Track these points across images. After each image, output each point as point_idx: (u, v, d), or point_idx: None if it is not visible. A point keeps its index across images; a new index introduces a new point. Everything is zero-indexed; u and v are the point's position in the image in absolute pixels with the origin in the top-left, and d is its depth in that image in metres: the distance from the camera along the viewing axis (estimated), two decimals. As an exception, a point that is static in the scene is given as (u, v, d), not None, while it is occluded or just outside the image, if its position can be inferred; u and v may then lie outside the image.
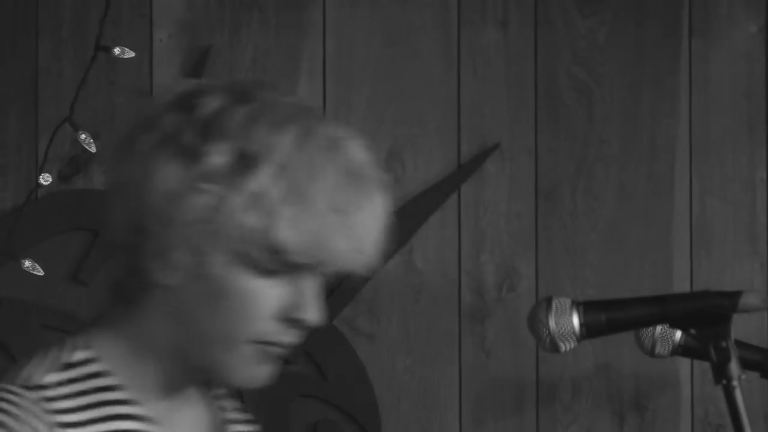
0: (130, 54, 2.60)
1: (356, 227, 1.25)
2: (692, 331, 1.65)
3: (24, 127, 2.78)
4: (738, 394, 1.57)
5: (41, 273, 2.61)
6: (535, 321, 1.57)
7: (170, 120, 1.25)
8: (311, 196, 1.24)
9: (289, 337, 1.27)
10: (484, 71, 2.79)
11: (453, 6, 2.87)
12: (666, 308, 1.63)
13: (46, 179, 2.56)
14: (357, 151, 1.28)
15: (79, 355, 1.28)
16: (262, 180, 1.24)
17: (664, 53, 2.87)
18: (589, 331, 1.58)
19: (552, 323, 1.57)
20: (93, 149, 2.60)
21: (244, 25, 2.77)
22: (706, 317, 1.58)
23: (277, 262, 1.24)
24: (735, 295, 1.57)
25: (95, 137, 2.60)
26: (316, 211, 1.23)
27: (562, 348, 1.57)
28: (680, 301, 1.66)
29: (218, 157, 1.23)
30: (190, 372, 1.34)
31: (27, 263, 2.62)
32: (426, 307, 2.85)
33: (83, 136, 2.57)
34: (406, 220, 2.78)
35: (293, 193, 1.23)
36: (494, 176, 2.86)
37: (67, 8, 2.73)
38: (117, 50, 2.56)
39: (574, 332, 1.57)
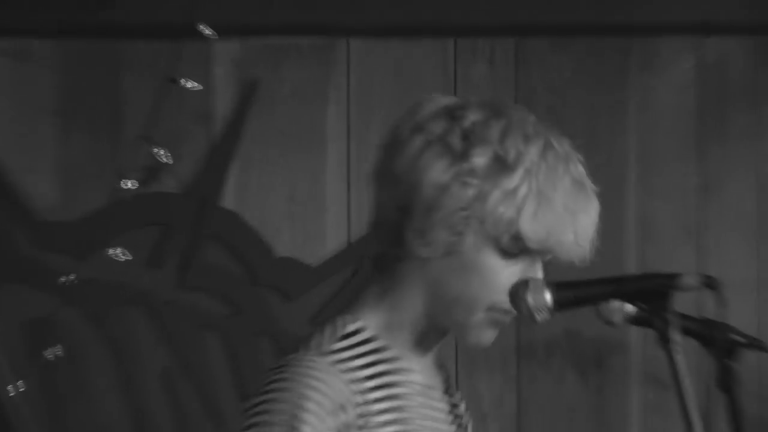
0: (194, 85, 2.87)
1: (580, 225, 1.47)
2: (641, 305, 1.67)
3: (110, 142, 3.09)
4: (676, 355, 1.57)
5: (128, 258, 2.90)
6: (516, 297, 1.62)
7: (438, 126, 1.48)
8: (550, 198, 1.45)
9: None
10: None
11: (450, 47, 3.18)
12: (621, 287, 1.68)
13: (128, 184, 2.85)
14: (579, 164, 1.50)
15: (350, 327, 1.51)
16: (514, 180, 1.46)
17: (617, 84, 3.13)
18: (559, 305, 1.61)
19: (530, 299, 1.63)
20: (164, 161, 2.90)
21: (285, 63, 3.06)
22: (652, 294, 1.60)
23: (516, 247, 1.45)
24: (675, 276, 1.60)
25: (165, 151, 2.88)
26: (553, 210, 1.46)
27: (538, 318, 1.60)
28: (632, 281, 1.71)
29: (480, 158, 1.47)
30: (435, 333, 1.54)
31: (115, 251, 2.91)
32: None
33: (157, 150, 2.86)
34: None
35: (537, 193, 1.45)
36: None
37: (145, 47, 3.07)
38: (184, 81, 2.83)
39: (547, 306, 1.61)
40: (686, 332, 1.61)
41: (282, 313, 3.17)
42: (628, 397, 3.17)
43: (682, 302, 1.42)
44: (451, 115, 1.54)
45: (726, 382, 1.53)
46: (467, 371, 3.08)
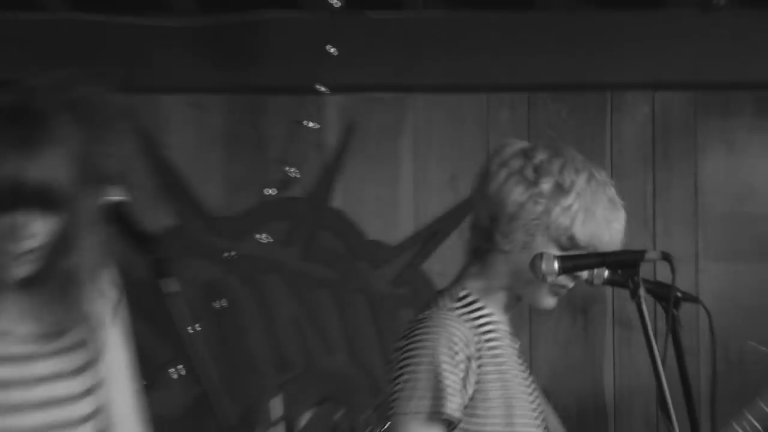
0: (313, 124, 3.70)
1: (614, 231, 1.98)
2: (618, 271, 2.11)
3: (258, 162, 3.86)
4: (642, 306, 2.03)
5: (269, 240, 3.74)
6: (534, 265, 1.98)
7: (517, 162, 1.95)
8: (594, 212, 1.95)
9: (570, 283, 2.00)
10: (502, 135, 3.53)
11: (483, 99, 3.82)
12: (605, 258, 2.07)
13: (270, 191, 3.72)
14: (612, 188, 2.00)
15: (461, 293, 1.99)
16: (569, 200, 1.93)
17: (597, 122, 3.82)
18: (563, 270, 1.99)
19: (543, 266, 1.97)
20: (293, 176, 3.71)
21: (373, 110, 3.84)
22: (626, 263, 2.03)
23: (570, 244, 1.93)
24: (642, 252, 2.04)
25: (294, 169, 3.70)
26: (596, 220, 1.95)
27: (549, 279, 1.99)
28: (612, 255, 2.08)
29: (546, 185, 1.93)
30: (514, 300, 2.06)
31: (261, 236, 3.75)
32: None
33: (288, 168, 3.68)
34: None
35: (585, 209, 1.94)
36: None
37: (281, 99, 3.85)
38: (306, 122, 3.67)
39: (554, 271, 1.96)
40: (648, 291, 2.03)
41: (372, 277, 3.89)
42: (605, 334, 3.79)
43: (645, 270, 1.93)
44: (526, 154, 2.03)
45: (673, 324, 2.05)
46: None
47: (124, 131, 1.75)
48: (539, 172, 2.04)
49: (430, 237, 3.90)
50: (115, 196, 1.78)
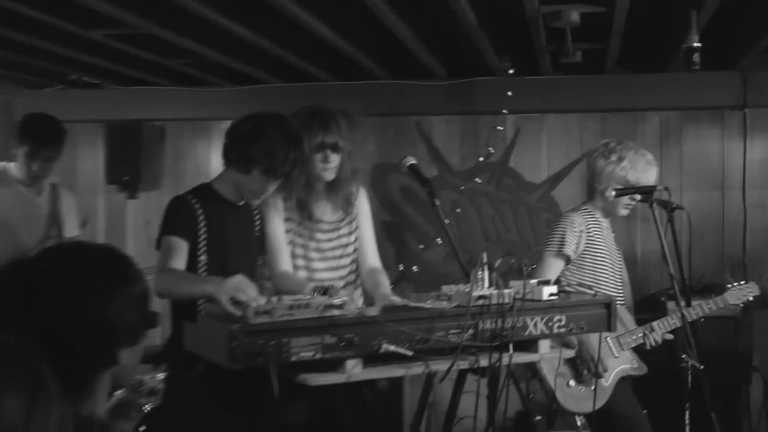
0: (501, 128, 5.68)
1: (648, 177, 4.04)
2: (643, 195, 3.92)
3: (473, 147, 6.00)
4: (655, 212, 3.79)
5: (480, 182, 5.80)
6: (609, 194, 4.00)
7: (601, 149, 4.09)
8: (639, 167, 4.05)
9: (631, 202, 4.01)
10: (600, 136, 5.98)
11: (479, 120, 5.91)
12: (638, 190, 3.93)
13: (480, 159, 5.74)
14: (649, 154, 4.08)
15: (582, 207, 4.10)
16: (625, 164, 4.02)
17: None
18: (617, 194, 3.94)
19: (613, 193, 3.93)
20: (492, 151, 5.75)
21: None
22: (646, 191, 3.87)
23: (627, 184, 3.94)
24: (654, 186, 3.92)
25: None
26: (637, 172, 4.04)
27: (610, 199, 4.00)
28: (640, 188, 3.96)
29: (613, 157, 4.03)
30: (608, 212, 4.12)
31: (477, 180, 5.79)
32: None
33: (489, 148, 5.74)
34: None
35: (633, 166, 4.04)
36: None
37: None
38: (498, 127, 5.92)
39: (613, 195, 3.94)
40: (657, 203, 3.82)
41: (528, 198, 5.90)
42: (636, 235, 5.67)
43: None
44: (606, 145, 4.12)
45: (671, 222, 3.75)
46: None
47: None
48: (617, 158, 4.03)
49: (554, 179, 5.98)
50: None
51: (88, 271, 1.55)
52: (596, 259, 4.08)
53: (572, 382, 4.02)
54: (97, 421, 1.54)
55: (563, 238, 4.02)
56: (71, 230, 4.81)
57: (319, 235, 3.73)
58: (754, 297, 4.27)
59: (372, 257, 3.86)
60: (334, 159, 3.64)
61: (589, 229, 4.07)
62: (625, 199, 4.02)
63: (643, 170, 4.04)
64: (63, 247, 1.68)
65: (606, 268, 4.10)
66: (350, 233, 3.83)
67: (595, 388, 3.90)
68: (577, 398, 4.01)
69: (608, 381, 4.07)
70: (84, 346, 1.50)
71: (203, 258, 3.29)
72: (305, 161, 3.49)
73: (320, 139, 3.59)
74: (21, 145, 4.46)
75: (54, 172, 4.68)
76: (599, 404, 3.95)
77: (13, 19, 4.31)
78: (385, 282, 3.73)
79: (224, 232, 3.37)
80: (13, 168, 4.58)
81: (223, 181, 3.44)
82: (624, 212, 4.13)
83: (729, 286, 4.22)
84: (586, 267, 4.09)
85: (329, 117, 3.63)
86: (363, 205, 3.87)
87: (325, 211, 3.76)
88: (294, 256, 3.70)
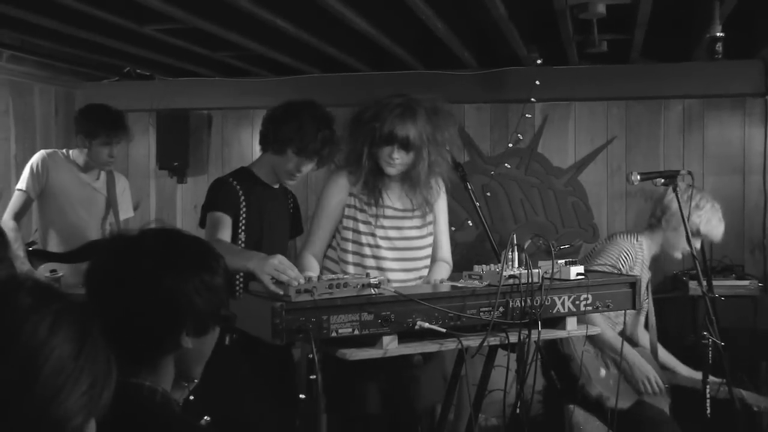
0: (530, 116, 6.11)
1: (720, 232, 3.90)
2: (664, 178, 3.70)
3: (504, 133, 6.09)
4: (678, 192, 3.68)
5: (509, 167, 5.97)
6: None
7: (683, 196, 3.66)
8: (713, 222, 3.87)
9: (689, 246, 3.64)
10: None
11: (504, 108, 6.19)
12: (661, 174, 3.75)
13: (510, 144, 6.03)
14: (719, 210, 3.85)
15: (638, 238, 3.86)
16: (702, 213, 3.78)
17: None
18: (640, 180, 3.68)
19: (632, 178, 3.69)
20: (521, 138, 5.87)
21: None
22: (670, 175, 3.68)
23: (698, 233, 3.75)
24: (678, 171, 3.79)
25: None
26: (713, 225, 3.87)
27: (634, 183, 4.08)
28: (661, 173, 3.75)
29: (699, 210, 3.75)
30: (658, 251, 3.91)
31: (506, 165, 5.82)
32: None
33: (518, 134, 5.90)
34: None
35: (709, 220, 3.85)
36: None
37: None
38: (527, 115, 6.16)
39: (638, 180, 3.72)
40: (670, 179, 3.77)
41: (555, 182, 6.04)
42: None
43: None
44: (688, 192, 3.74)
45: (674, 189, 3.68)
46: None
47: None
48: (690, 197, 3.71)
49: (580, 165, 5.98)
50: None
51: (177, 252, 1.56)
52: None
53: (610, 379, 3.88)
54: (160, 390, 1.54)
55: (618, 260, 3.81)
56: (125, 212, 4.94)
57: (385, 222, 3.44)
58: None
59: (443, 252, 3.62)
60: (401, 156, 3.33)
61: (635, 262, 3.88)
62: (683, 243, 3.73)
63: (716, 226, 3.89)
64: (160, 230, 1.68)
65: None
66: (422, 226, 3.54)
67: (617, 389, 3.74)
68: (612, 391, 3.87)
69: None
70: (149, 320, 1.50)
71: (242, 235, 3.33)
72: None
73: (390, 129, 3.29)
74: (92, 138, 4.61)
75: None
76: (628, 404, 3.87)
77: (73, 17, 4.39)
78: (440, 271, 3.54)
79: (262, 212, 3.43)
80: (74, 155, 4.75)
81: (261, 165, 3.49)
82: (678, 256, 3.95)
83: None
84: None
85: (409, 109, 3.31)
86: (441, 205, 3.58)
87: (396, 200, 3.48)
88: (360, 244, 3.44)
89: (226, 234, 3.28)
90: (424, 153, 3.34)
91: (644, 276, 3.85)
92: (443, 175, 3.52)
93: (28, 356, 0.93)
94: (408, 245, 3.50)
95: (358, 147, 3.36)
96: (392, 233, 3.45)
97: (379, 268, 3.39)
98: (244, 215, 3.36)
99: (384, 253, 3.43)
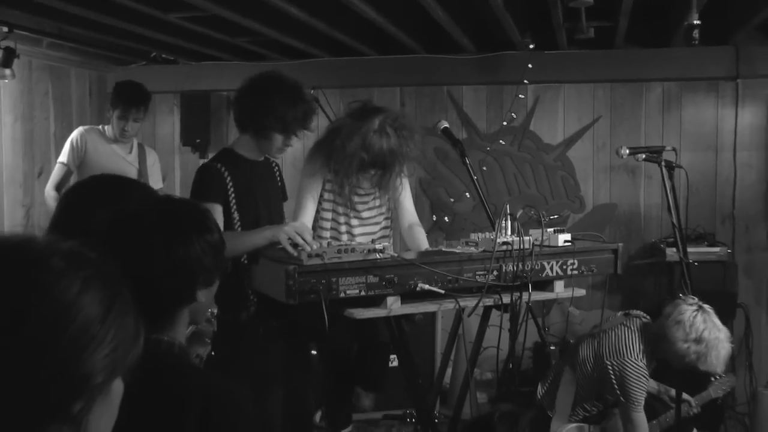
0: (522, 97, 6.00)
1: (722, 356, 3.10)
2: (651, 153, 3.84)
3: (499, 111, 5.88)
4: (663, 169, 3.76)
5: (504, 143, 5.89)
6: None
7: (687, 331, 3.06)
8: (709, 357, 3.11)
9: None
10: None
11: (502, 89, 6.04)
12: (649, 150, 4.11)
13: (504, 123, 5.87)
14: (728, 342, 3.06)
15: (642, 349, 3.17)
16: (701, 344, 3.04)
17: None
18: (630, 153, 3.86)
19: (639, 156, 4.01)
20: (514, 116, 6.01)
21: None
22: (654, 151, 3.95)
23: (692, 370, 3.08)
24: (663, 147, 3.92)
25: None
26: (711, 361, 3.10)
27: (622, 155, 5.07)
28: (647, 148, 4.30)
29: (692, 335, 3.07)
30: (655, 360, 3.20)
31: (501, 141, 5.79)
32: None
33: (512, 113, 5.85)
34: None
35: (704, 359, 3.09)
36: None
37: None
38: (521, 96, 6.05)
39: (623, 154, 3.94)
40: (665, 164, 3.80)
41: (545, 157, 5.78)
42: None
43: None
44: (694, 326, 3.13)
45: (670, 173, 3.77)
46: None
47: None
48: (691, 326, 3.17)
49: (569, 141, 5.81)
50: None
51: (176, 219, 1.60)
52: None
53: None
54: (177, 343, 1.58)
55: (640, 391, 3.28)
56: (156, 183, 4.94)
57: (356, 198, 3.51)
58: (732, 389, 3.96)
59: (410, 214, 3.66)
60: (377, 172, 3.41)
61: (647, 378, 3.40)
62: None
63: (714, 362, 3.20)
64: (154, 200, 1.72)
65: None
66: (381, 206, 3.67)
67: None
68: None
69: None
70: (169, 284, 1.54)
71: (236, 215, 3.15)
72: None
73: (373, 159, 3.32)
74: (114, 109, 4.67)
75: (139, 133, 4.80)
76: None
77: (105, 6, 4.36)
78: (421, 236, 3.57)
79: (251, 187, 3.25)
80: (108, 130, 4.80)
81: (242, 144, 3.30)
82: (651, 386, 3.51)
83: (712, 379, 3.68)
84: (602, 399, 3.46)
85: (384, 134, 3.33)
86: (404, 182, 3.64)
87: (363, 181, 3.55)
88: (338, 222, 3.53)
89: (218, 223, 3.26)
90: (396, 167, 3.39)
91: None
92: (409, 171, 3.59)
93: (56, 315, 0.93)
94: (376, 213, 3.64)
95: (342, 170, 3.39)
96: (365, 213, 3.57)
97: (350, 236, 3.51)
98: (233, 198, 3.18)
99: (356, 230, 3.56)
